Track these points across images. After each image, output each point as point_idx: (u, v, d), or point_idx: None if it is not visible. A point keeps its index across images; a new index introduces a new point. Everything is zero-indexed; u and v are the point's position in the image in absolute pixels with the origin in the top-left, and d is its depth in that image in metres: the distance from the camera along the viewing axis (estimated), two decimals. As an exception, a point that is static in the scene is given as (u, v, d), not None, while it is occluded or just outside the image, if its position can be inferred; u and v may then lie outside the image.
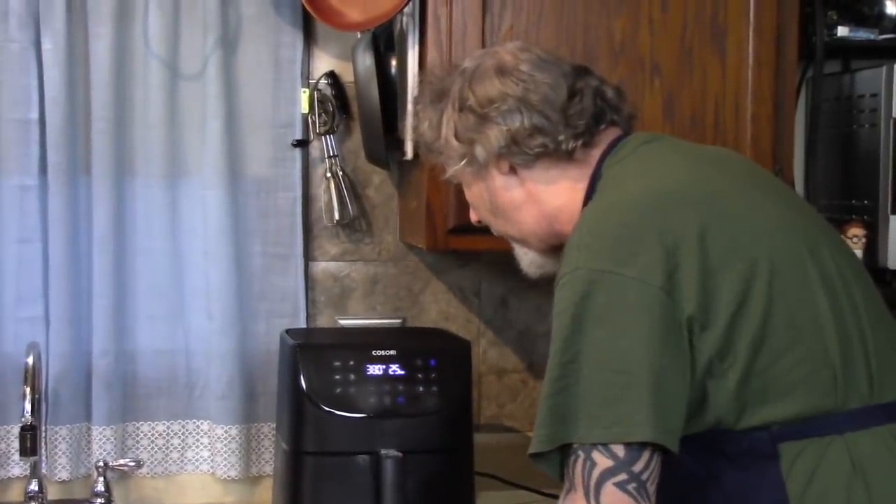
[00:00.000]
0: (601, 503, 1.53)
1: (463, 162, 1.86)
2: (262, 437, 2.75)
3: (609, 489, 1.54)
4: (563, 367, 1.59)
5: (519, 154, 1.81)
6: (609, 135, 1.84)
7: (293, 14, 2.70)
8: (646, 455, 1.55)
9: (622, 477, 1.54)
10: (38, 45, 2.61)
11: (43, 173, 2.63)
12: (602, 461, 1.54)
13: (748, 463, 1.64)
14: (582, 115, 1.81)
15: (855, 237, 2.73)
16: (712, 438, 1.64)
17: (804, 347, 1.63)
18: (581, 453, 1.56)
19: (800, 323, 1.64)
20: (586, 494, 1.54)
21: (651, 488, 1.56)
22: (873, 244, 2.73)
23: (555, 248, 1.86)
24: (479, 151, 1.83)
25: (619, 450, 1.54)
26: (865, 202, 2.75)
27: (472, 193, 1.93)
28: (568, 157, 1.81)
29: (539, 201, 1.85)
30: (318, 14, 2.55)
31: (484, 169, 1.86)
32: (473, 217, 2.00)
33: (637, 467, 1.54)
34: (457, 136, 1.85)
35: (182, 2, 2.66)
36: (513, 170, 1.84)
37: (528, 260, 1.94)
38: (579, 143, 1.80)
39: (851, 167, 2.82)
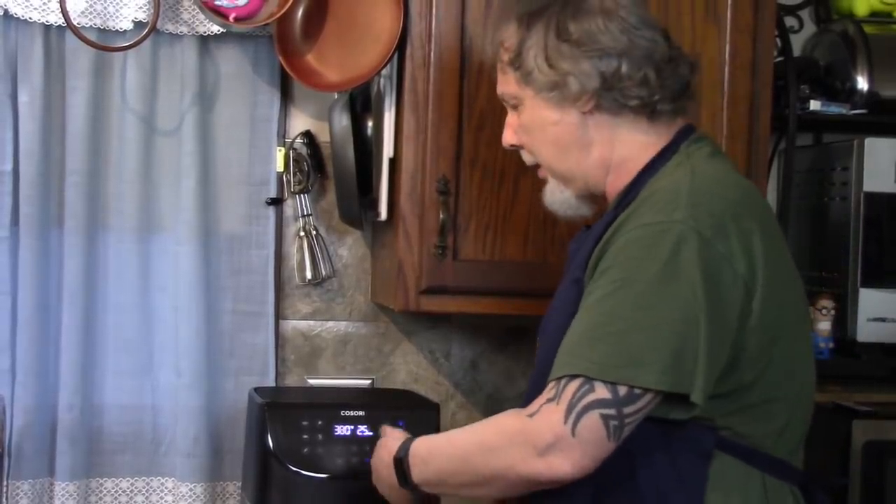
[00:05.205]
0: (578, 425, 1.60)
1: (551, 91, 1.82)
2: (228, 495, 2.72)
3: (592, 416, 1.60)
4: (633, 310, 1.63)
5: (613, 99, 1.81)
6: (684, 119, 1.87)
7: (271, 73, 2.72)
8: (645, 399, 1.61)
9: (611, 412, 1.60)
10: (14, 97, 2.61)
11: (15, 225, 2.62)
12: (602, 392, 1.60)
13: (683, 453, 1.69)
14: (676, 81, 1.83)
15: (824, 309, 2.74)
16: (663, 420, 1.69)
17: (790, 391, 1.74)
18: (591, 379, 1.61)
19: (795, 375, 1.77)
20: (568, 411, 1.60)
21: (627, 430, 1.63)
22: (843, 316, 2.74)
23: (592, 196, 1.89)
24: (573, 84, 1.80)
25: (624, 389, 1.60)
26: (835, 274, 2.76)
27: (533, 119, 1.87)
28: (651, 117, 1.82)
29: (610, 147, 1.84)
30: (296, 74, 2.56)
31: (566, 101, 1.82)
32: (510, 139, 1.93)
33: (629, 409, 1.61)
34: (549, 63, 1.82)
35: (160, 58, 2.67)
36: (592, 111, 1.82)
37: (563, 199, 1.91)
38: (670, 107, 1.83)
39: (822, 239, 2.83)
